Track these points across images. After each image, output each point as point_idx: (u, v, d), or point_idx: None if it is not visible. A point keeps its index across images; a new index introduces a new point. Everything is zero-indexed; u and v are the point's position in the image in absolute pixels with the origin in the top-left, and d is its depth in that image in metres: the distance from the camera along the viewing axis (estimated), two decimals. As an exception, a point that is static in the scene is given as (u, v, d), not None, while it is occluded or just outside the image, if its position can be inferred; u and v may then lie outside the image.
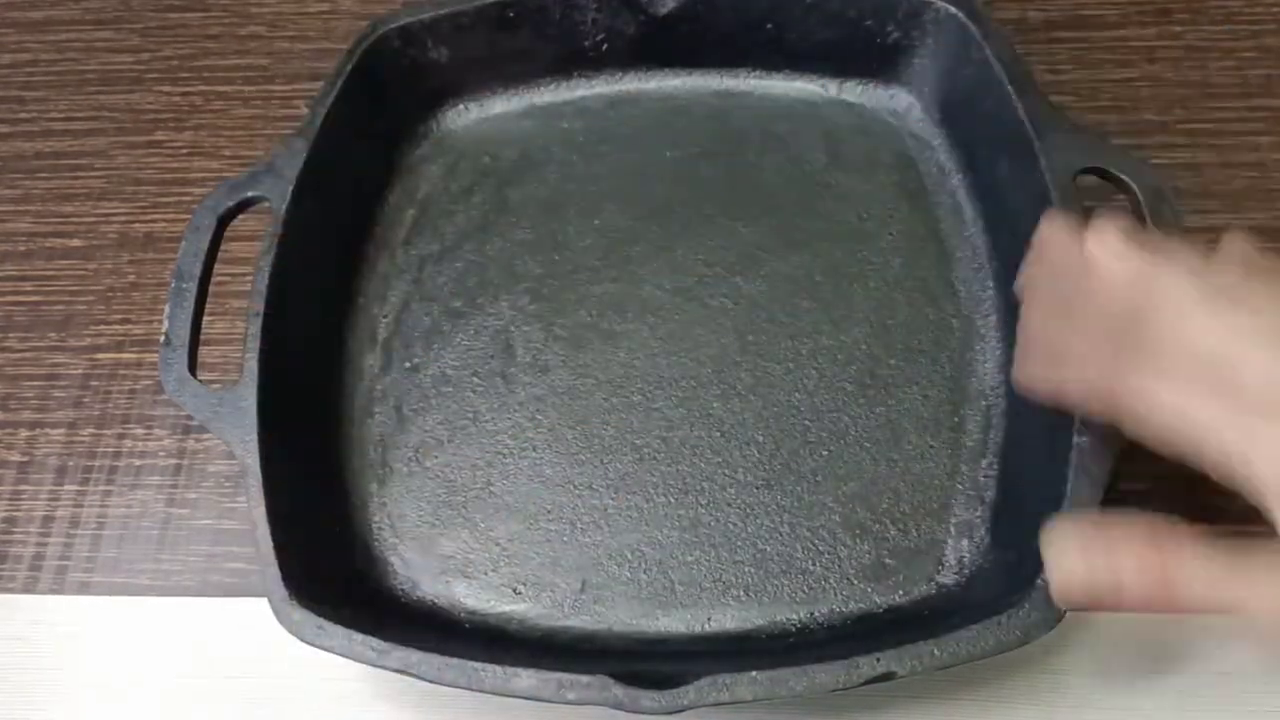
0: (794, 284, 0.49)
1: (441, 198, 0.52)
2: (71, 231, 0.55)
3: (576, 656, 0.42)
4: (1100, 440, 0.39)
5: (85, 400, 0.51)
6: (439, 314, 0.49)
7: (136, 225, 0.55)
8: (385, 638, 0.39)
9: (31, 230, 0.55)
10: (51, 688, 0.46)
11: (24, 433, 0.51)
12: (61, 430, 0.51)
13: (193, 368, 0.44)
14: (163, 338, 0.44)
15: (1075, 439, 0.39)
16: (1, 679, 0.46)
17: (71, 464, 0.50)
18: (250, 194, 0.47)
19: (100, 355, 0.52)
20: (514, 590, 0.44)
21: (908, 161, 0.51)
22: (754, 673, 0.36)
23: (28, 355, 0.52)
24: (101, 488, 0.50)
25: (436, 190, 0.52)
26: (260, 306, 0.44)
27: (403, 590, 0.44)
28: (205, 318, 0.45)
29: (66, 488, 0.50)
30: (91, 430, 0.51)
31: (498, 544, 0.45)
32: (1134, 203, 0.43)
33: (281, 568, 0.40)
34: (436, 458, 0.47)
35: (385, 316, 0.50)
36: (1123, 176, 0.43)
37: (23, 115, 0.56)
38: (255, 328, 0.43)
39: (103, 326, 0.53)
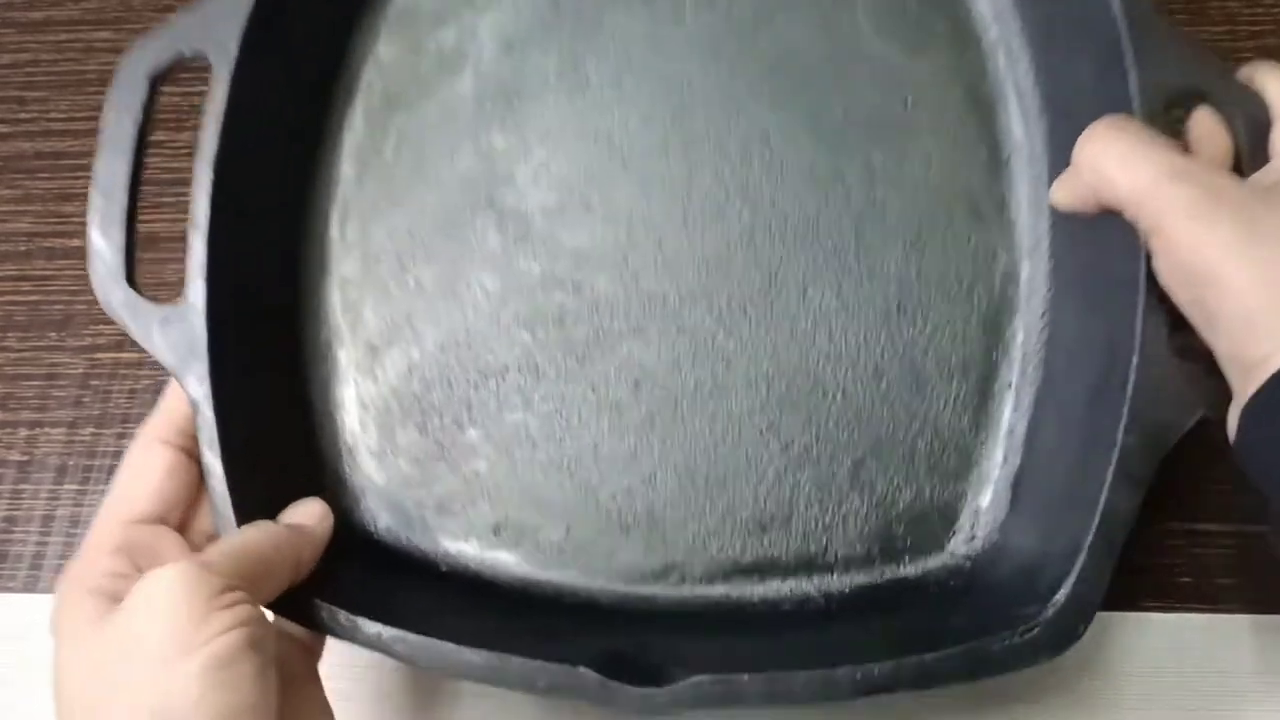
0: (820, 185, 0.42)
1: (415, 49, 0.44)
2: (71, 231, 0.52)
3: (558, 614, 0.40)
4: (1149, 440, 0.35)
5: (85, 400, 0.50)
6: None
7: (136, 225, 0.50)
8: (355, 593, 0.36)
9: (31, 230, 0.52)
10: (51, 687, 0.45)
11: (24, 432, 0.50)
12: (61, 429, 0.50)
13: (130, 272, 0.38)
14: (90, 235, 0.38)
15: (1120, 436, 0.35)
16: (1, 679, 0.46)
17: (72, 463, 0.49)
18: (185, 49, 0.39)
19: (100, 355, 0.50)
20: (494, 531, 0.41)
21: (969, 38, 0.43)
22: (745, 676, 0.34)
23: (27, 355, 0.51)
24: (102, 487, 0.48)
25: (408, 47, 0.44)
26: (205, 206, 0.38)
27: (374, 523, 0.41)
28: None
29: (66, 487, 0.49)
30: (92, 429, 0.49)
31: (478, 478, 0.41)
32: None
33: (239, 515, 0.36)
34: (413, 376, 0.42)
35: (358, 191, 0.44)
36: (1224, 105, 0.36)
37: (23, 115, 0.54)
38: (199, 241, 0.38)
39: (102, 326, 0.51)
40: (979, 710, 0.42)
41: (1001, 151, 0.42)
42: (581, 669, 0.34)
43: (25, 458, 0.49)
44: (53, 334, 0.51)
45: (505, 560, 0.41)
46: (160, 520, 0.36)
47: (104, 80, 0.39)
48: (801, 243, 0.42)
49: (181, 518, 0.37)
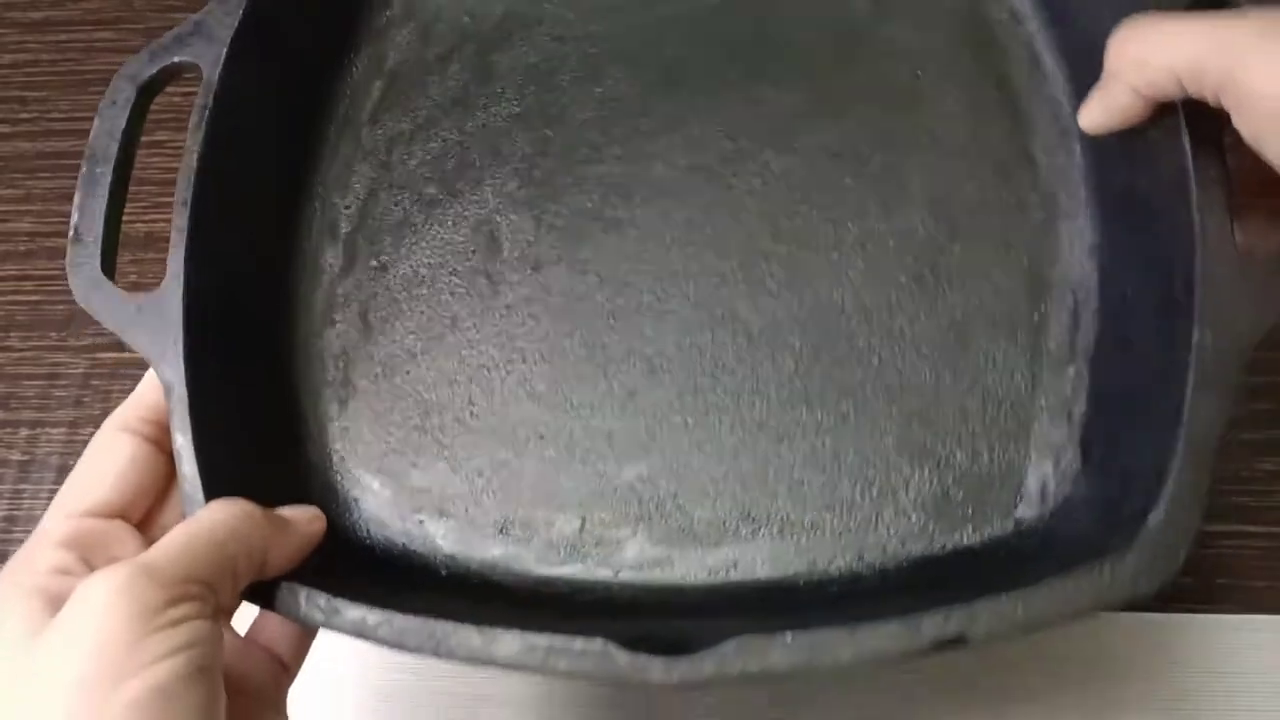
0: (835, 158, 0.40)
1: (413, 67, 0.44)
2: None
3: (573, 610, 0.35)
4: (1228, 338, 0.31)
5: (86, 399, 0.50)
6: (411, 204, 0.41)
7: (137, 225, 0.51)
8: (341, 591, 0.32)
9: (32, 230, 0.53)
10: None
11: (25, 431, 0.49)
12: (62, 429, 0.49)
13: (109, 268, 0.36)
14: (71, 231, 0.37)
15: (1196, 335, 0.31)
16: None
17: (72, 463, 0.48)
18: (177, 59, 0.39)
19: (101, 354, 0.50)
20: (500, 530, 0.37)
21: (971, 7, 0.42)
22: (789, 635, 0.29)
23: (28, 354, 0.51)
24: None
25: (407, 58, 0.44)
26: (188, 194, 0.36)
27: (368, 532, 0.37)
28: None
29: None
30: (92, 429, 0.48)
31: (481, 475, 0.37)
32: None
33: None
34: (408, 372, 0.39)
35: (348, 207, 0.42)
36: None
37: (23, 115, 0.55)
38: (182, 219, 0.36)
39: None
40: (975, 711, 0.40)
41: (1020, 105, 0.40)
42: (606, 643, 0.29)
43: (26, 457, 0.48)
44: (54, 334, 0.50)
45: (514, 558, 0.36)
46: (119, 515, 0.32)
47: (105, 80, 0.39)
48: (820, 211, 0.39)
49: (144, 516, 0.33)
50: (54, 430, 0.49)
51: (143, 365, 0.45)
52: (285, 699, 0.33)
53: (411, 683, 0.43)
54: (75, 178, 0.50)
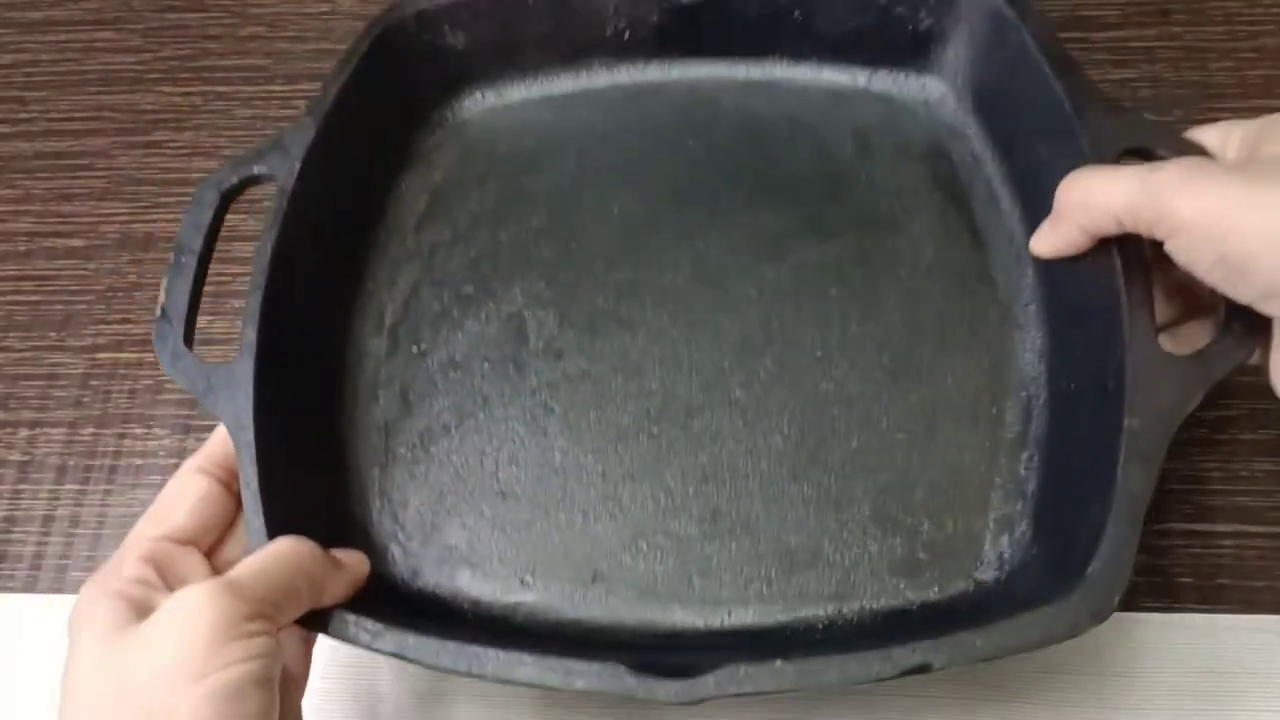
0: (821, 272, 0.46)
1: (455, 184, 0.50)
2: (72, 231, 0.55)
3: (587, 649, 0.39)
4: (1152, 422, 0.36)
5: (85, 400, 0.51)
6: (449, 299, 0.47)
7: (136, 225, 0.54)
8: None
9: (32, 230, 0.54)
10: (52, 687, 0.44)
11: (24, 432, 0.50)
12: (62, 429, 0.50)
13: (189, 341, 0.42)
14: (158, 311, 0.42)
15: (1125, 421, 0.36)
16: (1, 678, 0.45)
17: (72, 463, 0.49)
18: (256, 170, 0.45)
19: (100, 355, 0.52)
20: (521, 581, 0.41)
21: (940, 152, 0.49)
22: (778, 662, 0.33)
23: (28, 355, 0.51)
24: (102, 487, 0.49)
25: (450, 177, 0.50)
26: (262, 280, 0.42)
27: (402, 579, 0.42)
28: (204, 317, 0.43)
29: (67, 487, 0.49)
30: (92, 430, 0.50)
31: (505, 533, 0.42)
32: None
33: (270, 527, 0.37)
34: (442, 444, 0.44)
35: (393, 301, 0.48)
36: (1168, 156, 0.41)
37: (23, 115, 0.56)
38: (255, 302, 0.41)
39: (103, 326, 0.52)
40: (978, 711, 0.41)
41: (981, 233, 0.46)
42: (619, 665, 0.34)
43: (25, 458, 0.49)
44: (53, 334, 0.51)
45: (533, 603, 0.41)
46: (191, 542, 0.37)
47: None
48: (808, 316, 0.45)
49: (211, 546, 0.38)
50: (53, 431, 0.49)
51: (140, 365, 0.50)
52: (300, 706, 0.37)
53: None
54: (74, 178, 0.54)
